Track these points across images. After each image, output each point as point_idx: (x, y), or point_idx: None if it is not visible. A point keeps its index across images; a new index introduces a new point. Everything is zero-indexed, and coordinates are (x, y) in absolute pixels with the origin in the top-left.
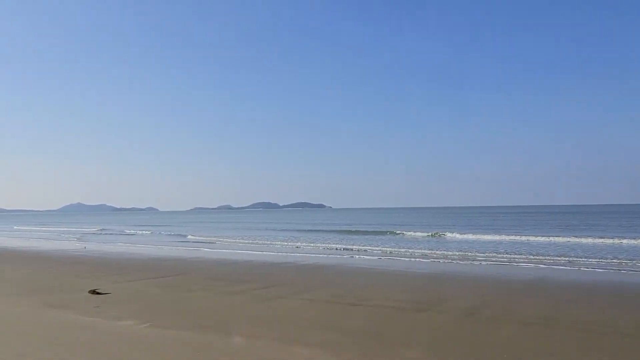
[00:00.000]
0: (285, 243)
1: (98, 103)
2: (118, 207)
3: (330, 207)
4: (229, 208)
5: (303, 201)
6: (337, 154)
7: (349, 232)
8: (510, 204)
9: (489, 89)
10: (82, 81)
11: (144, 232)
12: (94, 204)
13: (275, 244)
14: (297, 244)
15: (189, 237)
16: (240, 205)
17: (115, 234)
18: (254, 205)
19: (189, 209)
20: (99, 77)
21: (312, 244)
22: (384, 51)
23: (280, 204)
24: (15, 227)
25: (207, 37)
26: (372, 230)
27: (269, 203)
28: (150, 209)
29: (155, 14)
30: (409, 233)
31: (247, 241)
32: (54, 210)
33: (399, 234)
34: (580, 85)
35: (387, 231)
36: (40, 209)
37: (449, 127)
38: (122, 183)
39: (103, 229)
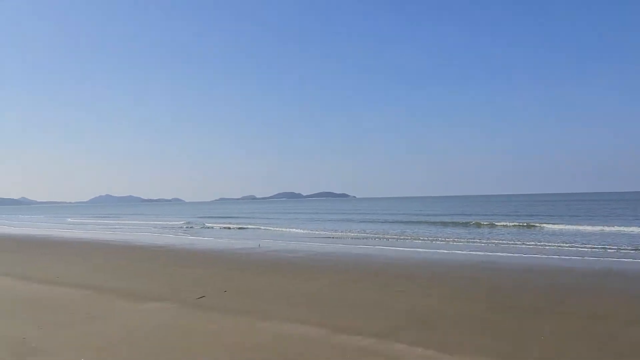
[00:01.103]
0: (482, 241)
1: (121, 97)
2: (145, 198)
3: (354, 196)
4: (252, 198)
5: (327, 191)
6: (360, 144)
7: (479, 224)
8: (525, 192)
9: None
10: (104, 76)
11: (236, 226)
12: (121, 196)
13: (459, 242)
14: (498, 241)
15: (293, 230)
16: (264, 195)
17: (209, 228)
18: (277, 195)
19: (213, 199)
20: (116, 74)
21: (515, 242)
22: (405, 41)
23: (304, 194)
24: (69, 220)
25: (225, 28)
26: (513, 223)
27: (293, 193)
28: (176, 199)
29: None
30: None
31: (395, 237)
32: (84, 202)
33: (538, 225)
34: None
35: (527, 224)
36: (71, 201)
37: (465, 116)
38: (147, 175)
39: (189, 222)
